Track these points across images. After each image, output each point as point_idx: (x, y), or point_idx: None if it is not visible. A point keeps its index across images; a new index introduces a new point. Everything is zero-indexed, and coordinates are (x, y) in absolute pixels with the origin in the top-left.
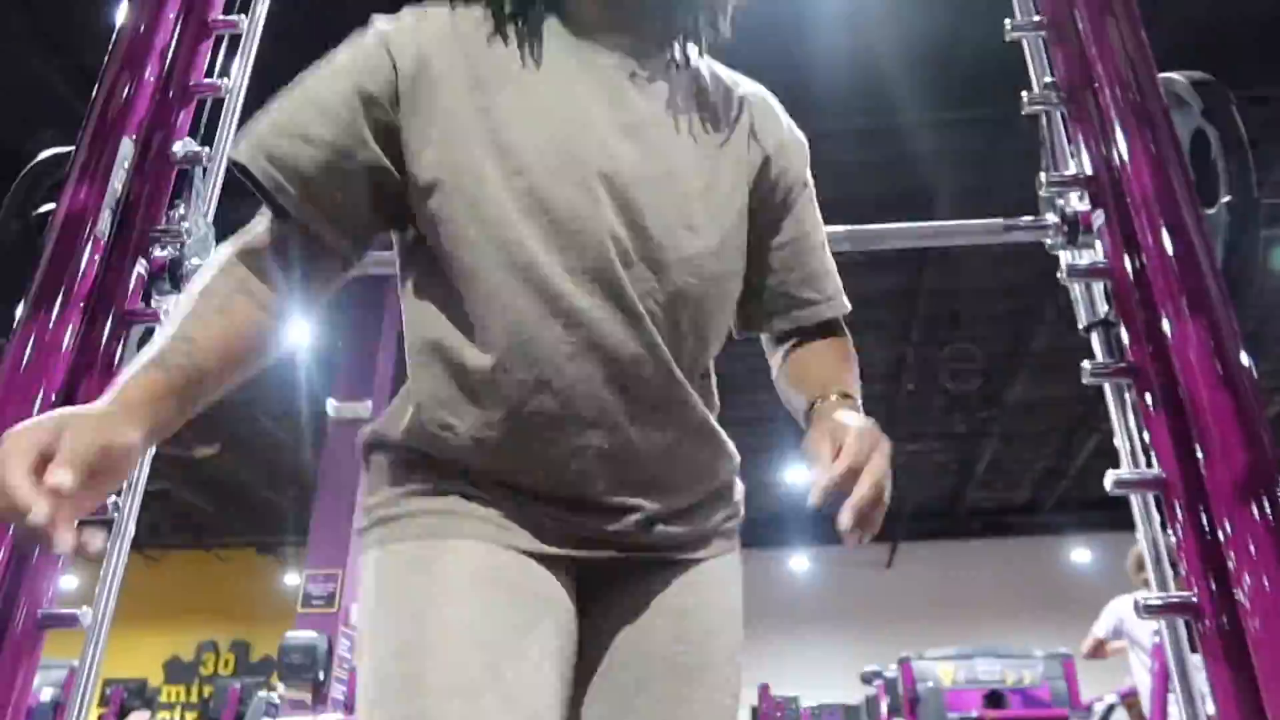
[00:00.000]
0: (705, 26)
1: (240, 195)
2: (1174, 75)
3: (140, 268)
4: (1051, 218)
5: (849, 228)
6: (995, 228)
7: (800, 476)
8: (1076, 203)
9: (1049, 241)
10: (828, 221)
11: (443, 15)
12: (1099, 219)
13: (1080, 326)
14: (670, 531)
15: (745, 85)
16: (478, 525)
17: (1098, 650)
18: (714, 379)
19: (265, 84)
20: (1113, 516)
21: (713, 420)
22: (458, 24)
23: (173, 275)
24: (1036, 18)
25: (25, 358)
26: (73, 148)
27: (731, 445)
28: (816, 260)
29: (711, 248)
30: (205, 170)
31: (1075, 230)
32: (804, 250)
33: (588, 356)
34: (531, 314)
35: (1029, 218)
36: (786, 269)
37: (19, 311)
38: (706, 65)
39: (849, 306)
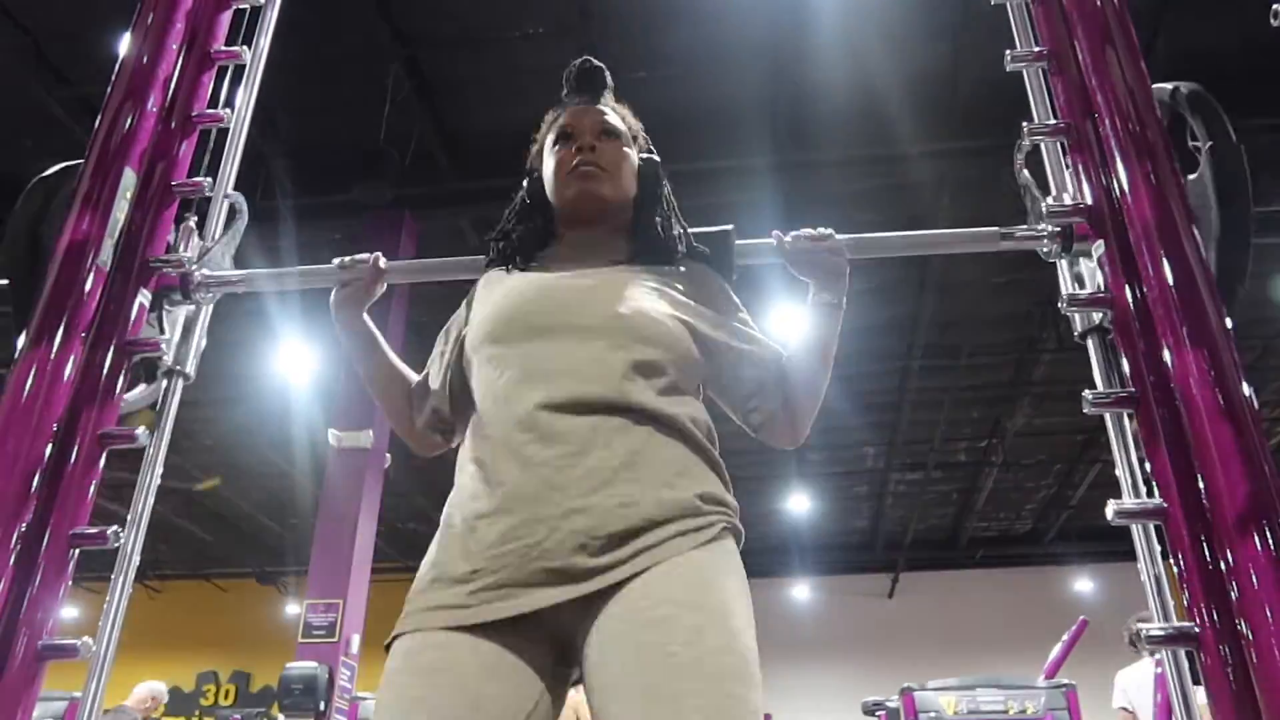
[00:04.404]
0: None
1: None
2: (1165, 85)
3: (141, 297)
4: (1047, 226)
5: (849, 236)
6: (991, 236)
7: (800, 505)
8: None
9: (1045, 250)
10: None
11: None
12: (1099, 249)
13: (1076, 334)
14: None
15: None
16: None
17: None
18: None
19: (267, 114)
20: (1114, 546)
21: None
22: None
23: (184, 286)
24: (1037, 48)
25: (27, 387)
26: (80, 161)
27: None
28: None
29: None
30: (209, 200)
31: (1070, 239)
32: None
33: None
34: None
35: (1024, 227)
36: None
37: (20, 341)
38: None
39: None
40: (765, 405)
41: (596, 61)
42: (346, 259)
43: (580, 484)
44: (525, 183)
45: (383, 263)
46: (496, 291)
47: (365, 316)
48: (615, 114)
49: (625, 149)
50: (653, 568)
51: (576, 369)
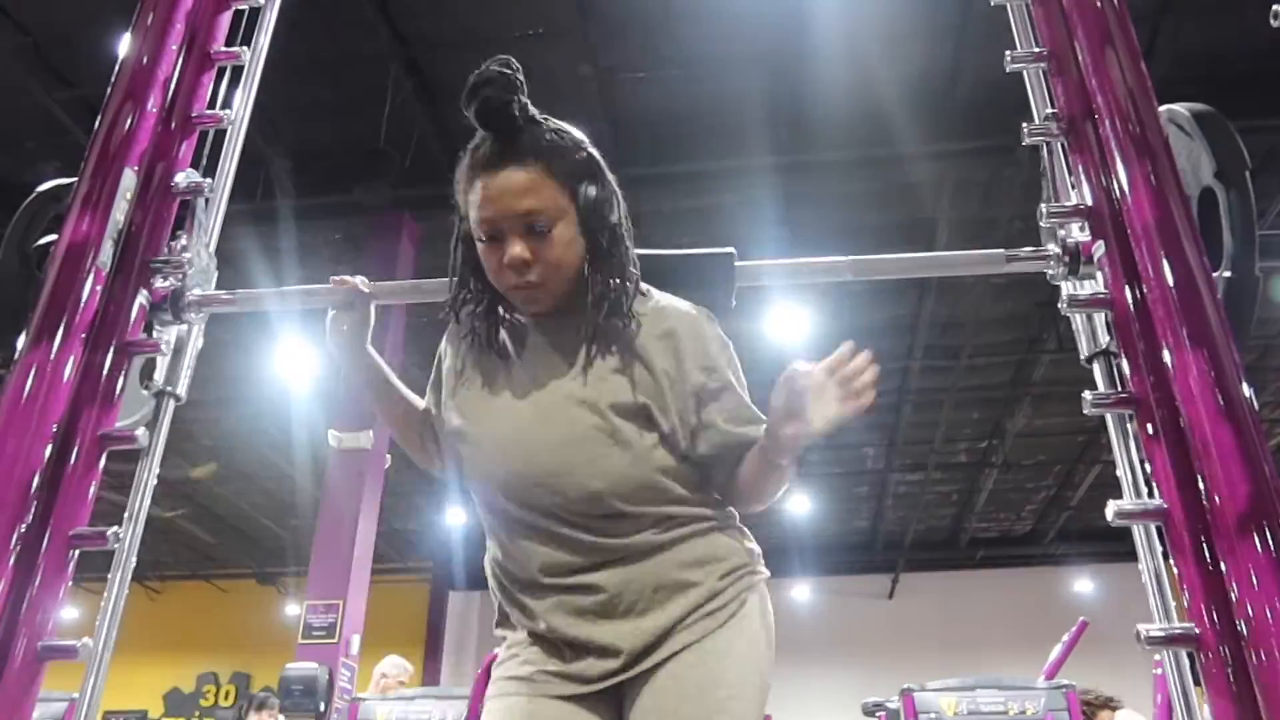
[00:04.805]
0: (606, 325)
1: (239, 225)
2: (1175, 107)
3: (141, 298)
4: (1053, 248)
5: (851, 258)
6: (997, 258)
7: (800, 506)
8: (1077, 233)
9: (1050, 272)
10: (831, 250)
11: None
12: (1099, 250)
13: (1082, 357)
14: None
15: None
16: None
17: None
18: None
19: (267, 114)
20: (1114, 547)
21: None
22: (452, 332)
23: (174, 306)
24: (1037, 49)
25: (26, 388)
26: (74, 179)
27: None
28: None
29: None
30: (207, 201)
31: (1076, 261)
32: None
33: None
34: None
35: (1030, 248)
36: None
37: (20, 342)
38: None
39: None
40: (716, 477)
41: (500, 75)
42: (334, 280)
43: (619, 619)
44: (459, 236)
45: (364, 285)
46: (467, 399)
47: (370, 349)
48: (537, 170)
49: (559, 235)
50: (680, 652)
51: (575, 547)
